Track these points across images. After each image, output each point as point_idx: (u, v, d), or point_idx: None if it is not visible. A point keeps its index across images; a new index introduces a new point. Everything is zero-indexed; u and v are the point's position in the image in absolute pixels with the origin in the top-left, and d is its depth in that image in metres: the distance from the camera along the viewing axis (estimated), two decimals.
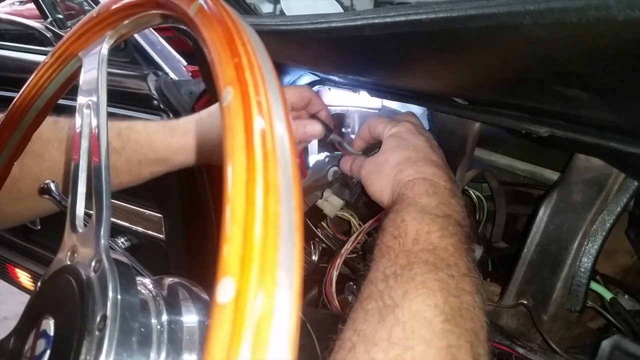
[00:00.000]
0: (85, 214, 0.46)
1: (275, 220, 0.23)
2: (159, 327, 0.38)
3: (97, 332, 0.34)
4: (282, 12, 0.99)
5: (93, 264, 0.39)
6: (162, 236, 1.01)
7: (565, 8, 0.30)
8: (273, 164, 0.25)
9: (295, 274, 0.23)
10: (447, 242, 0.52)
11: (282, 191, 0.24)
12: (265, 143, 0.25)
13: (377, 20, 0.42)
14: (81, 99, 0.48)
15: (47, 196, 0.64)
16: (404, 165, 0.63)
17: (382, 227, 0.57)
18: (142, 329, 0.36)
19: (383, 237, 0.55)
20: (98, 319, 0.34)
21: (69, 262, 0.43)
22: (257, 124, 0.26)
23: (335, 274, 0.73)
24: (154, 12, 0.40)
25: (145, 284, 0.42)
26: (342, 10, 0.98)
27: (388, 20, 0.41)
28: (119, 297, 0.36)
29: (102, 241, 0.40)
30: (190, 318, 0.40)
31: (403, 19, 0.40)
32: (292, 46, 0.63)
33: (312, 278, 0.87)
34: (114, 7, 0.44)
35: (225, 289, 0.22)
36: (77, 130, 0.48)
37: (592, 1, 0.28)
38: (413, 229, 0.53)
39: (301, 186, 0.26)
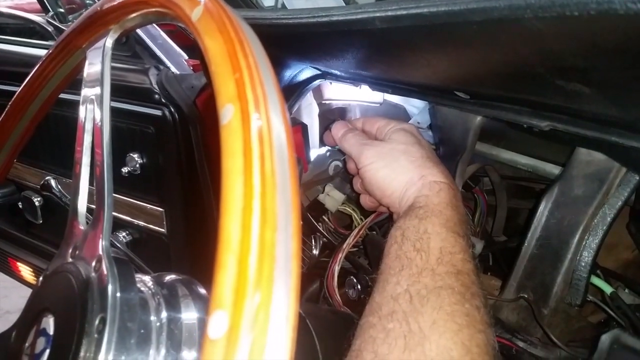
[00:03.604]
0: (89, 209, 0.46)
1: (271, 250, 0.23)
2: (158, 324, 0.38)
3: (95, 335, 0.34)
4: (283, 5, 0.99)
5: (94, 263, 0.39)
6: (163, 230, 1.01)
7: (567, 2, 0.29)
8: (271, 190, 0.24)
9: (290, 309, 0.22)
10: (469, 267, 0.51)
11: (280, 219, 0.24)
12: (264, 168, 0.24)
13: (378, 14, 0.42)
14: (85, 92, 0.48)
15: (47, 193, 0.65)
16: (427, 161, 0.62)
17: (401, 230, 0.55)
18: (141, 328, 0.36)
19: (402, 244, 0.53)
20: (97, 321, 0.35)
21: (70, 259, 0.44)
22: (256, 147, 0.25)
23: (337, 268, 0.73)
24: (158, 10, 0.40)
25: (145, 281, 0.42)
26: (343, 3, 0.98)
27: (389, 13, 0.41)
28: (118, 298, 0.36)
29: (103, 242, 0.40)
30: (189, 315, 0.40)
31: (404, 12, 0.40)
32: (293, 40, 0.63)
33: (313, 272, 0.88)
34: (118, 1, 0.44)
35: (217, 323, 0.21)
36: (80, 124, 0.48)
37: None
38: (436, 246, 0.51)
39: (300, 210, 0.25)
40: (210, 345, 0.21)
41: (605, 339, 0.52)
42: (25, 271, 1.45)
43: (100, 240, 0.41)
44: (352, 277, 0.77)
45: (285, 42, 0.64)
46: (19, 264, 1.45)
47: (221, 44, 0.29)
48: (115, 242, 0.98)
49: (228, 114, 0.26)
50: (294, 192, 0.25)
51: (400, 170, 0.61)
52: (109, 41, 0.47)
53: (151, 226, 1.04)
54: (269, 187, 0.24)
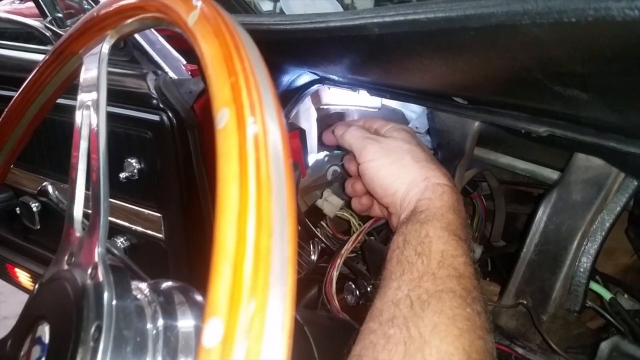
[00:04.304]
0: (86, 214, 0.46)
1: (267, 256, 0.22)
2: (154, 332, 0.38)
3: (91, 343, 0.34)
4: (281, 11, 0.99)
5: (89, 270, 0.39)
6: (161, 236, 1.01)
7: (564, 8, 0.29)
8: (267, 195, 0.24)
9: (285, 316, 0.22)
10: (470, 271, 0.50)
11: (275, 224, 0.23)
12: (260, 172, 0.24)
13: (375, 20, 0.42)
14: (81, 98, 0.48)
15: (44, 199, 0.65)
16: (430, 163, 0.61)
17: (403, 235, 0.55)
18: (138, 336, 0.36)
19: (404, 248, 0.53)
20: (92, 329, 0.34)
21: (66, 267, 0.43)
22: (252, 152, 0.25)
23: (335, 274, 0.73)
24: (154, 15, 0.39)
25: (142, 288, 0.42)
26: (341, 9, 0.98)
27: (387, 19, 0.41)
28: (113, 306, 0.35)
29: (99, 249, 0.40)
30: (186, 323, 0.40)
31: (402, 18, 0.40)
32: (291, 45, 0.63)
33: (312, 278, 0.87)
34: (114, 7, 0.44)
35: (212, 331, 0.21)
36: (77, 129, 0.48)
37: (591, 2, 0.28)
38: (438, 249, 0.51)
39: (296, 216, 0.25)
40: (205, 354, 0.21)
41: (604, 346, 0.52)
42: (23, 277, 1.45)
43: (96, 247, 0.40)
44: (350, 282, 0.76)
45: (283, 47, 0.64)
46: (16, 269, 1.44)
47: (217, 47, 0.29)
48: (112, 249, 0.97)
49: (224, 118, 0.26)
50: (289, 196, 0.25)
51: (405, 170, 0.61)
52: (105, 47, 0.47)
53: (149, 232, 1.03)
54: (264, 192, 0.24)
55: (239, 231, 0.23)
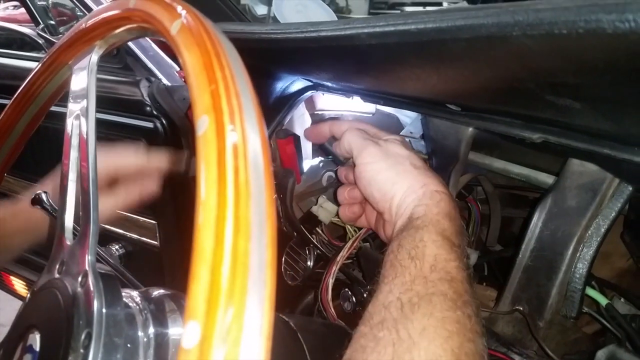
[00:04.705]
0: (78, 221, 0.46)
1: (245, 259, 0.23)
2: (145, 339, 0.38)
3: (81, 350, 0.34)
4: (275, 17, 0.98)
5: (80, 278, 0.39)
6: (156, 243, 1.01)
7: (555, 20, 0.29)
8: (245, 200, 0.24)
9: (264, 319, 0.22)
10: (463, 275, 0.50)
11: (254, 228, 0.24)
12: (238, 178, 0.25)
13: (366, 30, 0.42)
14: (71, 107, 0.48)
15: (38, 206, 0.65)
16: (428, 171, 0.61)
17: (398, 240, 0.55)
18: (128, 344, 0.36)
19: (398, 252, 0.53)
20: (83, 336, 0.35)
21: (57, 275, 0.43)
22: (230, 158, 0.25)
23: (331, 281, 0.72)
24: (140, 25, 0.39)
25: (133, 296, 0.42)
26: (334, 15, 0.98)
27: (377, 30, 0.41)
28: (103, 314, 0.36)
29: (89, 257, 0.40)
30: (176, 330, 0.40)
31: (392, 29, 0.40)
32: (283, 54, 0.63)
33: (308, 284, 0.87)
34: (101, 17, 0.44)
35: (190, 334, 0.21)
36: (67, 138, 0.48)
37: (581, 14, 0.28)
38: (431, 253, 0.51)
39: (275, 219, 0.25)
40: (183, 355, 0.21)
41: (600, 355, 0.52)
42: (19, 285, 1.44)
43: (87, 255, 0.40)
44: (346, 289, 0.76)
45: (275, 55, 0.64)
46: (12, 277, 1.44)
47: (198, 56, 0.30)
48: (106, 256, 0.97)
49: (203, 125, 0.26)
50: (269, 201, 0.25)
51: (404, 175, 0.60)
52: (94, 57, 0.47)
53: (144, 239, 1.03)
54: (242, 196, 0.24)
55: (217, 235, 0.23)
